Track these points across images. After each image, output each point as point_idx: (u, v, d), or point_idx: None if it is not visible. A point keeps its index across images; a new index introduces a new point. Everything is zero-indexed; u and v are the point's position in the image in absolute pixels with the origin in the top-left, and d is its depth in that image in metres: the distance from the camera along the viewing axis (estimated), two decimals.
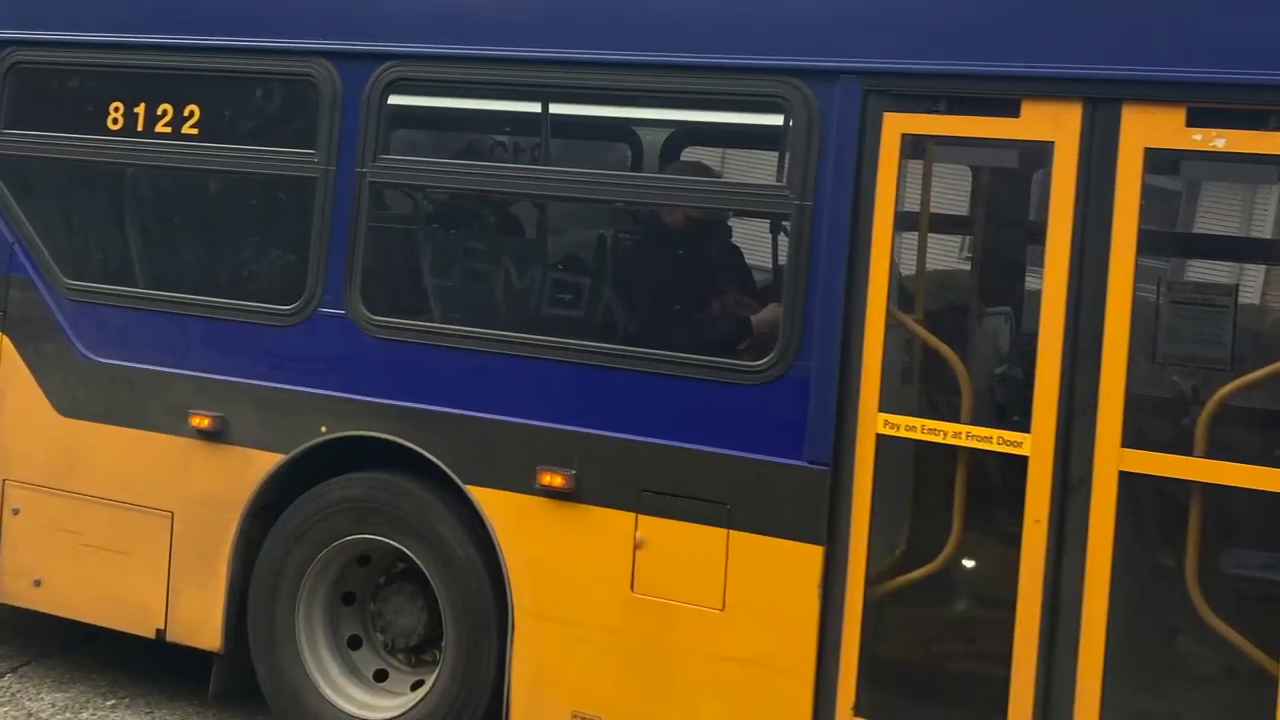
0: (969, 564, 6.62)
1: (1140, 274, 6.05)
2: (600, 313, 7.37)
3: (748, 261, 7.59)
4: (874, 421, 6.38)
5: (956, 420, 6.35)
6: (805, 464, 6.51)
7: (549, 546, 6.98)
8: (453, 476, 7.15)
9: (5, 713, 8.03)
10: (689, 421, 6.71)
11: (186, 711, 8.12)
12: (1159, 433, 6.37)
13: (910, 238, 6.65)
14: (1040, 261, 6.28)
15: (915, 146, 6.46)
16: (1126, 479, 6.02)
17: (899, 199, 6.40)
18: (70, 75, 8.47)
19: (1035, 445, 6.14)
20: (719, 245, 7.53)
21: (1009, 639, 6.22)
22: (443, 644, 7.32)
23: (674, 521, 6.73)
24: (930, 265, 6.80)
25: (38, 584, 8.14)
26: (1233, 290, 6.18)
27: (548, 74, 7.14)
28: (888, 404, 6.39)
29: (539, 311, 7.46)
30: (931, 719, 6.61)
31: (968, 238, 8.10)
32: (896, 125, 6.40)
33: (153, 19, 7.98)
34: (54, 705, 8.16)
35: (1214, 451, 5.97)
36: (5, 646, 8.84)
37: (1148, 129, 6.01)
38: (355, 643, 7.71)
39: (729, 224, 7.57)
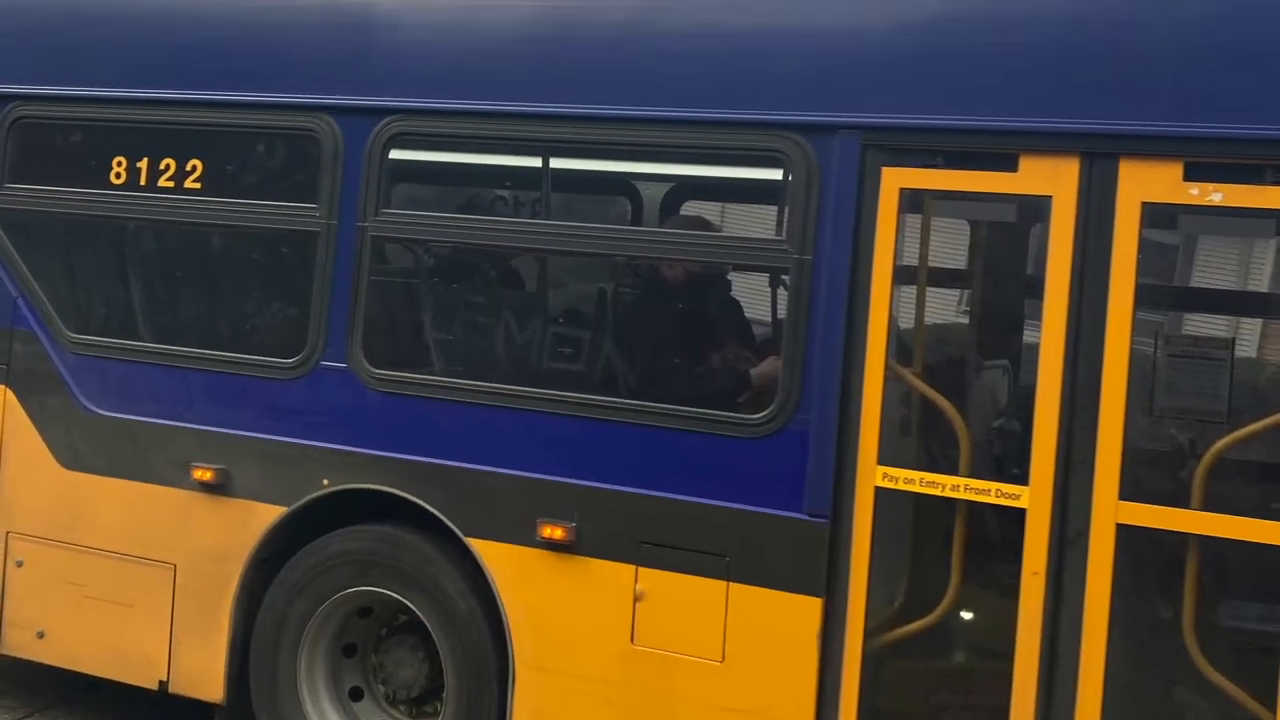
0: (967, 616, 6.62)
1: (1138, 327, 6.06)
2: (600, 366, 7.40)
3: (747, 315, 7.61)
4: (873, 474, 6.40)
5: (955, 473, 6.37)
6: (804, 516, 6.52)
7: (549, 598, 6.99)
8: (454, 529, 7.17)
9: None
10: (689, 474, 6.73)
11: None
12: (1156, 485, 6.37)
13: (909, 291, 6.67)
14: (1038, 315, 6.29)
15: (913, 201, 6.49)
16: (1124, 531, 6.04)
17: (897, 253, 6.42)
18: (73, 130, 8.51)
19: (1033, 498, 6.16)
20: (718, 299, 7.54)
21: (1007, 691, 6.23)
22: (444, 695, 7.32)
23: (674, 573, 6.74)
24: (929, 319, 6.83)
25: (41, 636, 8.14)
26: (1229, 344, 6.21)
27: (548, 128, 7.18)
28: (886, 457, 6.41)
29: (539, 365, 7.50)
30: None
31: (966, 291, 8.11)
32: (895, 180, 6.42)
33: (155, 74, 8.02)
34: None
35: (1211, 504, 5.98)
36: (9, 698, 8.83)
37: (1145, 183, 6.04)
38: (357, 694, 7.71)
39: (728, 278, 7.57)
